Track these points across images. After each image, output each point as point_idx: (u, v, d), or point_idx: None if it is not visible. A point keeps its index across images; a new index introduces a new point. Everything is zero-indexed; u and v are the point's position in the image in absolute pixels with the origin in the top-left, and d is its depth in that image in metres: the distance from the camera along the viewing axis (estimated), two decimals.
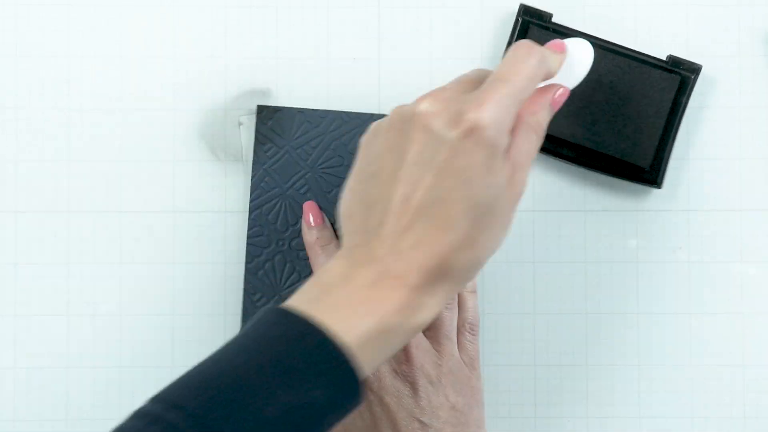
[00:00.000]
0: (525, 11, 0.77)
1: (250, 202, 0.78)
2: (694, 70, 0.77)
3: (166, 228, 0.78)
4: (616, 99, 0.76)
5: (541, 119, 0.66)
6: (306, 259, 0.78)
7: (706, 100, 0.79)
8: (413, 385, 0.70)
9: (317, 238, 0.76)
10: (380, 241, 0.61)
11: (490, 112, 0.62)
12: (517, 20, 0.77)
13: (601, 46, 0.76)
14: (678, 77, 0.76)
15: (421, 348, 0.71)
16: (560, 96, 0.67)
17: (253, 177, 0.78)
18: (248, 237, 0.78)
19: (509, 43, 0.77)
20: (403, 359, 0.71)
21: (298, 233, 0.78)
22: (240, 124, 0.79)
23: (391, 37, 0.79)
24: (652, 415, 0.78)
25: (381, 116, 0.75)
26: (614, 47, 0.77)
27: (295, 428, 0.58)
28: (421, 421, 0.70)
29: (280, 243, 0.78)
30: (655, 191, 0.79)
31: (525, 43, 0.65)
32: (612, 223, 0.79)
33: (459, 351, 0.74)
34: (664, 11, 0.79)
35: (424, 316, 0.61)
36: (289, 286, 0.78)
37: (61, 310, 0.78)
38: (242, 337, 0.60)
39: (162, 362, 0.78)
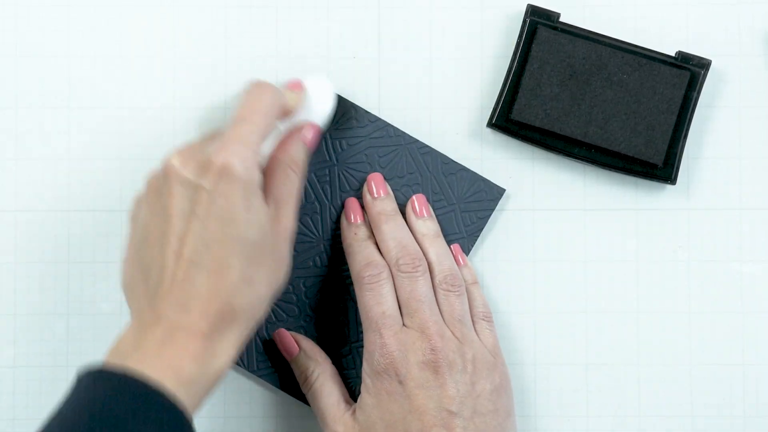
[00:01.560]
0: (533, 11, 0.77)
1: None
2: (704, 65, 0.77)
3: None
4: (626, 97, 0.76)
5: (295, 157, 0.70)
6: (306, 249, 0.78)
7: (706, 99, 0.79)
8: (440, 375, 0.71)
9: (355, 234, 0.76)
10: (162, 299, 0.64)
11: (235, 150, 0.65)
12: (525, 20, 0.77)
13: (609, 44, 0.76)
14: (688, 73, 0.77)
15: (445, 338, 0.72)
16: (312, 134, 0.72)
17: None
18: None
19: (517, 43, 0.77)
20: (428, 350, 0.71)
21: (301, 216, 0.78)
22: None
23: (391, 37, 0.79)
24: (652, 415, 0.78)
25: (419, 143, 0.77)
26: (623, 45, 0.77)
27: None
28: (450, 411, 0.70)
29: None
30: (655, 190, 0.79)
31: (258, 83, 0.69)
32: (612, 223, 0.79)
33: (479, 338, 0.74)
34: (671, 8, 0.79)
35: (222, 360, 0.64)
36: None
37: (61, 310, 0.78)
38: (64, 405, 0.61)
39: None
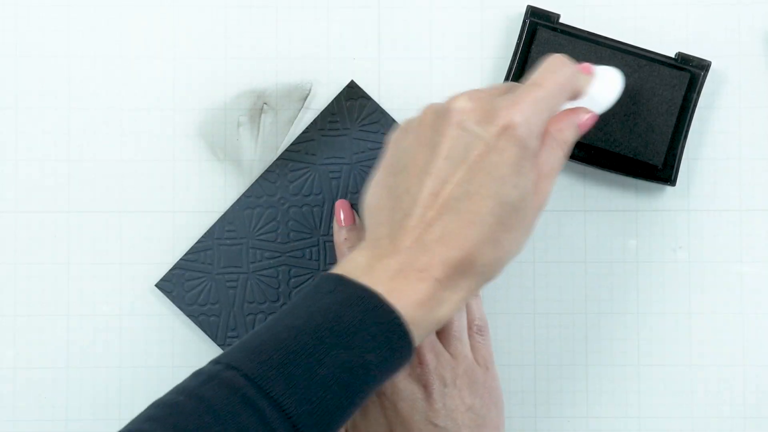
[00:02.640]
0: (532, 13, 0.77)
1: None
2: (704, 66, 0.77)
3: (166, 228, 0.78)
4: (626, 98, 0.76)
5: (567, 137, 0.67)
6: (299, 256, 0.78)
7: (706, 101, 0.79)
8: (427, 388, 0.70)
9: (345, 239, 0.76)
10: (405, 232, 0.62)
11: (524, 112, 0.63)
12: (524, 22, 0.77)
13: (609, 46, 0.76)
14: (688, 74, 0.77)
15: (434, 351, 0.71)
16: (588, 119, 0.69)
17: (299, 135, 0.78)
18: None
19: (517, 44, 0.77)
20: (416, 362, 0.70)
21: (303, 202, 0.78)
22: (240, 124, 0.79)
23: (391, 37, 0.79)
24: (652, 415, 0.78)
25: None
26: (622, 46, 0.77)
27: (345, 388, 0.59)
28: (435, 425, 0.70)
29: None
30: (655, 190, 0.79)
31: (559, 56, 0.67)
32: (612, 223, 0.79)
33: (472, 352, 0.74)
34: (671, 9, 0.79)
35: (445, 310, 0.62)
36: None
37: (61, 310, 0.78)
38: (300, 300, 0.62)
39: (162, 362, 0.78)
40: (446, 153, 0.63)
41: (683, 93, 0.76)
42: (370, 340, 0.60)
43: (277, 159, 0.78)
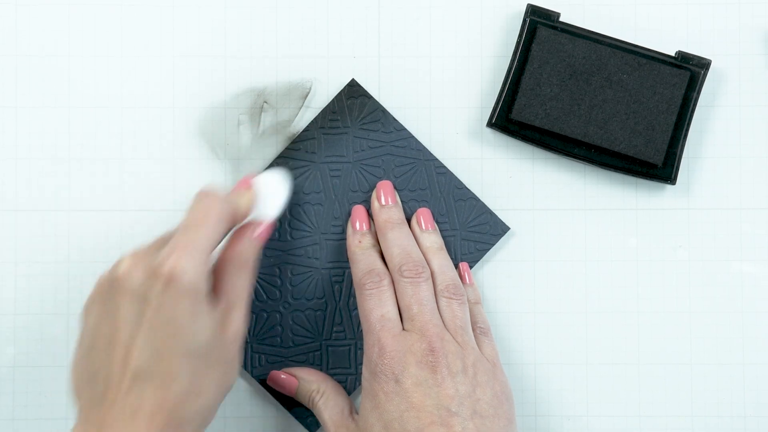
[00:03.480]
0: (533, 11, 0.77)
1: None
2: (704, 65, 0.77)
3: (166, 227, 0.78)
4: (626, 97, 0.76)
5: (247, 256, 0.69)
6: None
7: (706, 99, 0.79)
8: (439, 374, 0.70)
9: (359, 242, 0.76)
10: (108, 407, 0.63)
11: (184, 258, 0.64)
12: (524, 20, 0.77)
13: (609, 44, 0.76)
14: (688, 73, 0.77)
15: (445, 340, 0.71)
16: (263, 231, 0.71)
17: (299, 133, 0.78)
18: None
19: (517, 43, 0.77)
20: (426, 351, 0.71)
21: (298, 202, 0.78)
22: (240, 123, 0.79)
23: (391, 37, 0.79)
24: (652, 415, 0.78)
25: (437, 162, 0.78)
26: (623, 44, 0.77)
27: None
28: (448, 409, 0.69)
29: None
30: (655, 189, 0.79)
31: (205, 191, 0.68)
32: (612, 222, 0.79)
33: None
34: (671, 8, 0.79)
35: None
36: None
37: (61, 310, 0.78)
38: None
39: None
40: (122, 320, 0.64)
41: (683, 92, 0.76)
42: None
43: (278, 157, 0.78)
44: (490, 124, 0.77)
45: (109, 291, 0.65)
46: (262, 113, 0.79)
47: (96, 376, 0.64)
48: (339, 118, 0.78)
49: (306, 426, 0.77)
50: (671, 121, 0.76)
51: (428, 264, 0.75)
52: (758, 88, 0.79)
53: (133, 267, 0.65)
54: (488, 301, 0.78)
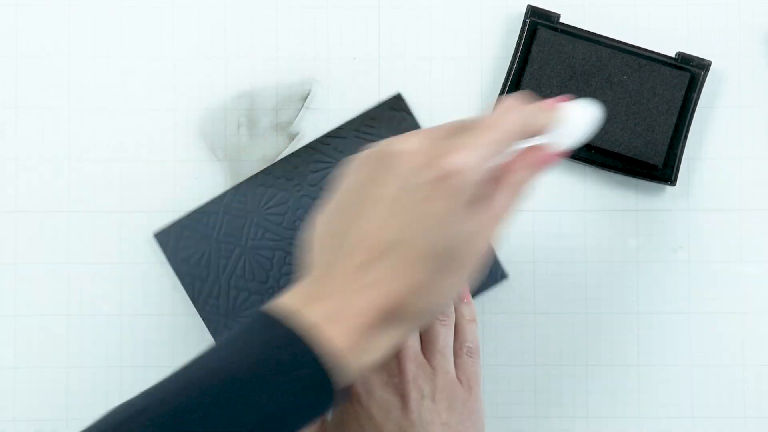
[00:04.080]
0: (533, 12, 0.77)
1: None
2: (704, 66, 0.77)
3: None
4: (626, 98, 0.76)
5: (520, 179, 0.65)
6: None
7: (706, 100, 0.79)
8: (404, 398, 0.70)
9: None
10: (340, 275, 0.61)
11: (466, 159, 0.61)
12: (524, 21, 0.77)
13: (609, 45, 0.76)
14: (688, 74, 0.77)
15: (416, 362, 0.71)
16: (547, 158, 0.66)
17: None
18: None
19: (517, 44, 0.77)
20: (395, 371, 0.70)
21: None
22: (240, 124, 0.79)
23: (391, 37, 0.79)
24: (652, 415, 0.78)
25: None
26: (623, 45, 0.77)
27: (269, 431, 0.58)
28: None
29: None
30: (655, 190, 0.79)
31: (513, 97, 0.65)
32: (612, 223, 0.79)
33: (456, 371, 0.73)
34: (671, 9, 0.79)
35: (375, 356, 0.61)
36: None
37: (61, 310, 0.78)
38: (227, 340, 0.61)
39: (162, 362, 0.78)
40: (386, 195, 0.62)
41: (683, 93, 0.77)
42: (297, 383, 0.59)
43: (306, 146, 0.78)
44: None
45: (381, 160, 0.63)
46: (262, 114, 0.79)
47: (340, 239, 0.63)
48: (375, 126, 0.78)
49: None
50: (671, 122, 0.76)
51: None
52: (758, 89, 0.79)
53: (417, 148, 0.62)
54: (488, 301, 0.78)
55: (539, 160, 0.66)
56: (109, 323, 0.78)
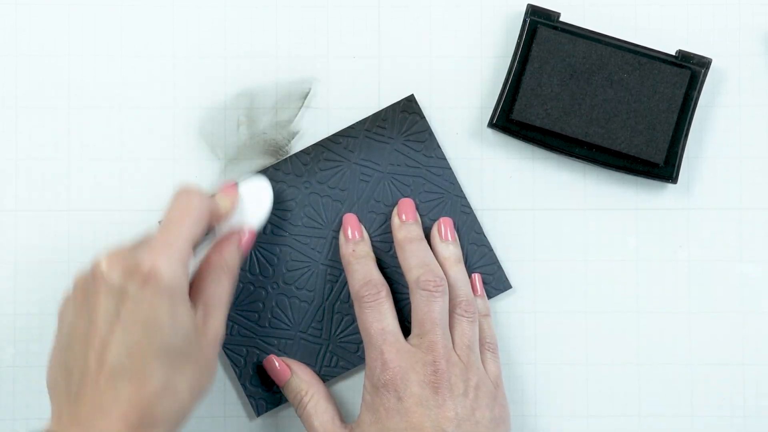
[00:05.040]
0: (533, 11, 0.77)
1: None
2: (704, 64, 0.77)
3: None
4: (627, 96, 0.76)
5: (228, 261, 0.70)
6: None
7: (707, 99, 0.79)
8: (440, 395, 0.70)
9: (353, 251, 0.76)
10: (82, 403, 0.63)
11: (163, 257, 0.64)
12: (525, 20, 0.77)
13: (609, 44, 0.77)
14: (688, 72, 0.77)
15: (450, 361, 0.71)
16: (248, 239, 0.72)
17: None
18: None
19: (518, 43, 0.77)
20: (430, 371, 0.71)
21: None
22: (240, 123, 0.79)
23: (391, 36, 0.79)
24: (652, 414, 0.78)
25: (465, 200, 0.78)
26: (623, 44, 0.77)
27: None
28: (445, 431, 0.70)
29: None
30: (655, 189, 0.79)
31: (184, 189, 0.68)
32: (612, 222, 0.79)
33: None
34: (671, 7, 0.79)
35: None
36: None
37: None
38: None
39: None
40: (100, 316, 0.64)
41: (684, 91, 0.77)
42: None
43: (316, 143, 0.78)
44: (491, 125, 0.77)
45: (86, 289, 0.66)
46: (262, 114, 0.79)
47: (71, 372, 0.64)
48: (386, 126, 0.78)
49: (254, 406, 0.77)
50: (672, 120, 0.76)
51: (445, 275, 0.75)
52: (758, 88, 0.79)
53: (111, 265, 0.65)
54: (488, 301, 0.78)
55: (243, 242, 0.71)
56: None
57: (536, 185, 0.79)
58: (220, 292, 0.69)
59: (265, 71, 0.79)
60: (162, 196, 0.78)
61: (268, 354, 0.77)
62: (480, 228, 0.78)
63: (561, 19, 0.78)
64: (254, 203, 0.74)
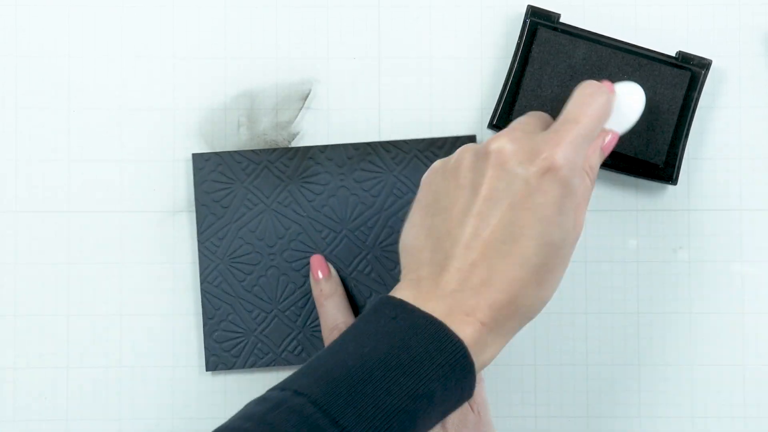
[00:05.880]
0: (533, 12, 0.77)
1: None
2: (704, 65, 0.77)
3: (167, 228, 0.78)
4: None
5: (593, 164, 0.67)
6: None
7: (707, 100, 0.79)
8: None
9: (321, 290, 0.76)
10: (450, 274, 0.62)
11: (566, 152, 0.63)
12: (525, 21, 0.77)
13: (610, 45, 0.76)
14: (688, 73, 0.77)
15: None
16: (610, 141, 0.69)
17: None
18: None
19: (518, 44, 0.77)
20: None
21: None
22: (240, 124, 0.79)
23: (391, 37, 0.79)
24: (652, 415, 0.78)
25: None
26: (623, 45, 0.77)
27: (411, 417, 0.58)
28: None
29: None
30: (655, 190, 0.79)
31: (592, 85, 0.66)
32: (612, 223, 0.79)
33: None
34: (671, 8, 0.79)
35: (489, 354, 0.62)
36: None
37: (61, 310, 0.78)
38: (363, 324, 0.61)
39: (162, 362, 0.78)
40: (488, 194, 0.62)
41: (684, 92, 0.76)
42: (437, 368, 0.59)
43: (367, 143, 0.78)
44: (490, 126, 0.77)
45: (476, 161, 0.64)
46: (262, 114, 0.79)
47: (442, 240, 0.63)
48: (439, 155, 0.78)
49: (207, 361, 0.78)
50: (672, 121, 0.76)
51: None
52: (758, 88, 0.79)
53: (511, 146, 0.63)
54: None
55: (606, 144, 0.68)
56: (109, 324, 0.78)
57: None
58: (584, 190, 0.66)
59: (265, 72, 0.79)
60: (162, 196, 0.78)
61: (240, 315, 0.77)
62: None
63: (561, 20, 0.78)
64: (626, 106, 0.71)
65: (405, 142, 0.78)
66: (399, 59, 0.79)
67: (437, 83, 0.79)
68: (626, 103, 0.71)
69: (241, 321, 0.77)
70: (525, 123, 0.67)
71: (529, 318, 0.64)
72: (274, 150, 0.78)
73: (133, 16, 0.79)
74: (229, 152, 0.78)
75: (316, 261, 0.77)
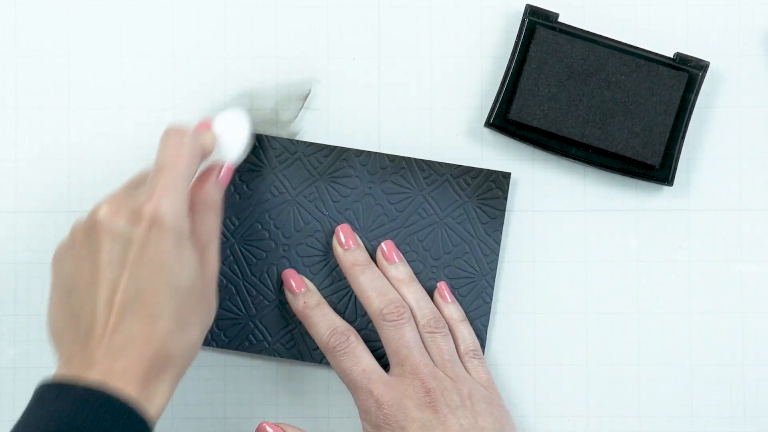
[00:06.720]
0: (531, 12, 0.77)
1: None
2: (702, 66, 0.77)
3: None
4: (624, 98, 0.76)
5: (214, 198, 0.71)
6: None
7: (705, 100, 0.79)
8: (440, 413, 0.71)
9: (305, 303, 0.76)
10: (95, 345, 0.64)
11: (164, 199, 0.65)
12: (523, 21, 0.77)
13: (607, 45, 0.76)
14: (686, 74, 0.77)
15: (438, 378, 0.72)
16: (225, 174, 0.72)
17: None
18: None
19: (516, 43, 0.77)
20: (422, 393, 0.71)
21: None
22: None
23: (391, 37, 0.79)
24: (652, 415, 0.78)
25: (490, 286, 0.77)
26: (621, 45, 0.77)
27: None
28: None
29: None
30: (655, 190, 0.79)
31: (173, 129, 0.69)
32: (612, 223, 0.79)
33: (471, 374, 0.75)
34: (670, 9, 0.79)
35: (157, 405, 0.64)
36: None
37: None
38: (28, 415, 0.64)
39: None
40: (106, 261, 0.65)
41: (681, 93, 0.76)
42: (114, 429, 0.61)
43: (404, 157, 0.78)
44: (488, 124, 0.77)
45: (87, 236, 0.66)
46: (262, 114, 0.79)
47: (79, 317, 0.65)
48: (470, 184, 0.78)
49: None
50: (669, 122, 0.76)
51: (403, 299, 0.75)
52: (757, 89, 0.79)
53: (113, 211, 0.66)
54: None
55: (221, 177, 0.72)
56: None
57: (536, 185, 0.79)
58: (210, 227, 0.70)
59: (265, 72, 0.79)
60: None
61: (242, 298, 0.77)
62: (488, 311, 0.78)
63: (559, 19, 0.78)
64: (231, 136, 0.74)
65: (440, 164, 0.77)
66: (399, 59, 0.79)
67: (437, 83, 0.79)
68: (229, 133, 0.73)
69: (241, 304, 0.77)
70: (128, 183, 0.69)
71: (190, 359, 0.66)
72: (311, 144, 0.78)
73: (132, 16, 0.79)
74: (266, 136, 0.78)
75: (291, 274, 0.77)
